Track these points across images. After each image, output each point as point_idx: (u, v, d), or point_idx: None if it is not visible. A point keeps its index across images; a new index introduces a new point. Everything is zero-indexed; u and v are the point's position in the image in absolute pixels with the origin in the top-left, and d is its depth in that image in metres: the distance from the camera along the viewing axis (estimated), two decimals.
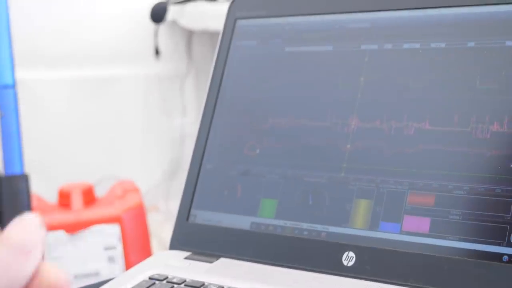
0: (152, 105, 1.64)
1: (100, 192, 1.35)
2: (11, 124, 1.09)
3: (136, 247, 1.22)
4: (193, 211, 0.54)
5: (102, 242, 1.18)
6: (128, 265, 1.20)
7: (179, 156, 1.66)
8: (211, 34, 1.50)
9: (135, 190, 1.27)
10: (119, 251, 1.19)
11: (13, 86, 1.08)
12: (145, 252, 1.23)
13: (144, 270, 0.50)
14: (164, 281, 0.48)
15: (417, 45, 0.50)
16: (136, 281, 0.48)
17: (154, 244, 1.36)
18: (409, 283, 0.44)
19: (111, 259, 1.19)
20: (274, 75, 0.56)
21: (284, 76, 0.55)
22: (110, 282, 0.49)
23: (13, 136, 1.09)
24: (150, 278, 0.49)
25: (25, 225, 0.32)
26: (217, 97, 0.57)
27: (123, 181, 1.32)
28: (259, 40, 0.57)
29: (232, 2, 0.59)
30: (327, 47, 0.54)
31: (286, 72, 0.55)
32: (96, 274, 1.19)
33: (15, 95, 1.08)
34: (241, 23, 0.58)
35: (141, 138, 1.65)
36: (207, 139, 0.56)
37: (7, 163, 1.09)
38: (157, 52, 1.55)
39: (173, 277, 0.48)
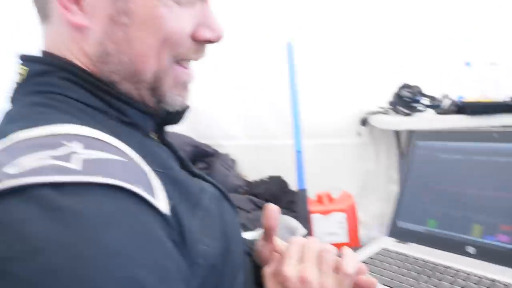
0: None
1: None
2: (300, 160, 1.77)
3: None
4: (397, 222, 1.16)
5: None
6: None
7: None
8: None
9: None
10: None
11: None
12: None
13: (376, 246, 1.14)
14: (392, 253, 1.10)
15: None
16: (374, 251, 1.12)
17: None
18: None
19: None
20: (442, 172, 1.15)
21: (448, 174, 1.14)
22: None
23: (302, 166, 1.77)
24: (383, 249, 1.12)
25: (354, 258, 0.52)
26: (406, 181, 1.18)
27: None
28: (429, 150, 1.17)
29: (412, 132, 1.21)
30: (470, 157, 1.12)
31: (449, 172, 1.14)
32: None
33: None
34: (418, 143, 1.19)
35: None
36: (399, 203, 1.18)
37: (299, 182, 1.76)
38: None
39: (393, 250, 1.11)
